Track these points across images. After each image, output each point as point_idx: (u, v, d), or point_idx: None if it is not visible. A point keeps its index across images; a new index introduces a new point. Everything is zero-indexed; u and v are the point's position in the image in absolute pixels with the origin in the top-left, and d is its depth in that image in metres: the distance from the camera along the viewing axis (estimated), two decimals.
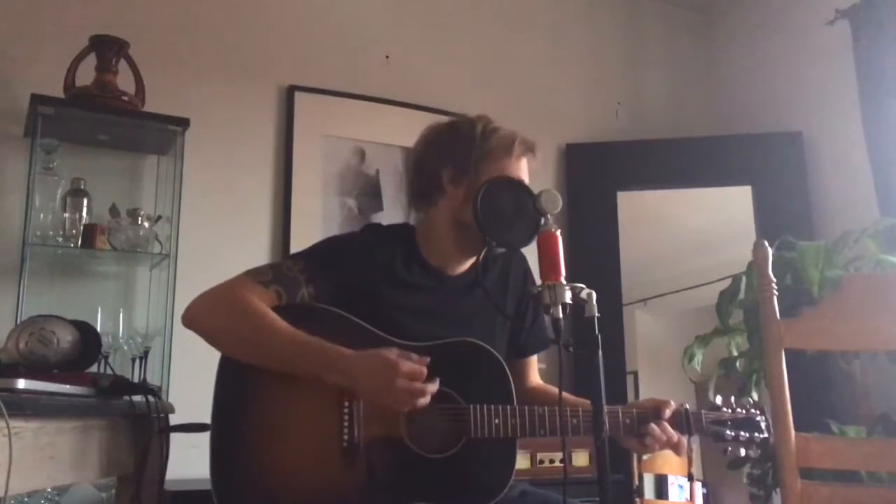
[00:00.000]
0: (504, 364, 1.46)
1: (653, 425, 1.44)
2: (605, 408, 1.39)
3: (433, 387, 1.33)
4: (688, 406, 1.49)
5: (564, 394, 1.54)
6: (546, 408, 1.42)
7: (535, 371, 1.73)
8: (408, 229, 1.60)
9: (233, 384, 1.39)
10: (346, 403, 1.38)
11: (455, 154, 1.52)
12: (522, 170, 1.53)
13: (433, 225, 1.56)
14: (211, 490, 1.35)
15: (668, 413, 1.46)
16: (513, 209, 1.38)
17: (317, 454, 1.36)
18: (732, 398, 1.53)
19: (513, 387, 1.45)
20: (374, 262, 1.49)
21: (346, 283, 1.47)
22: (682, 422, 1.47)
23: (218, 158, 2.77)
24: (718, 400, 1.53)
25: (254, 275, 1.45)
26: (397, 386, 1.30)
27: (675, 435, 1.45)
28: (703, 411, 1.50)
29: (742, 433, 1.48)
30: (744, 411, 1.50)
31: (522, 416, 1.40)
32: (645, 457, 2.84)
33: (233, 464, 1.36)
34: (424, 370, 1.33)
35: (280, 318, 1.38)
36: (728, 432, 1.48)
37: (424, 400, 1.32)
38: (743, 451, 1.48)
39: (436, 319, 1.50)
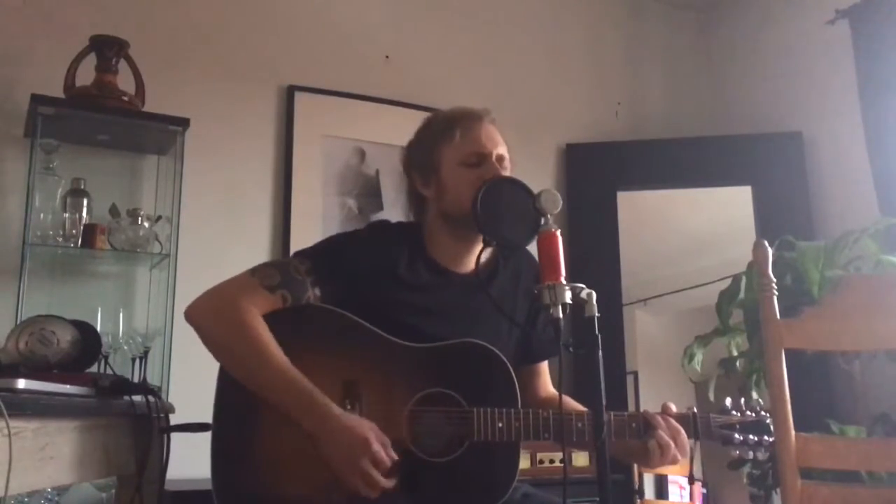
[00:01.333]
0: (508, 365, 1.45)
1: (658, 417, 1.43)
2: (612, 415, 1.40)
3: (388, 483, 1.32)
4: (696, 409, 1.49)
5: (574, 402, 1.54)
6: (551, 410, 1.41)
7: (546, 380, 1.70)
8: (416, 228, 1.59)
9: (234, 385, 1.38)
10: (349, 406, 1.38)
11: (415, 160, 1.59)
12: (479, 139, 1.52)
13: (430, 227, 1.57)
14: (212, 491, 1.34)
15: (672, 408, 1.46)
16: (512, 209, 1.37)
17: (318, 456, 1.34)
18: (742, 400, 1.52)
19: (517, 388, 1.44)
20: (379, 262, 1.49)
21: (351, 284, 1.47)
22: (689, 426, 1.46)
23: (218, 158, 2.77)
24: (728, 402, 1.52)
25: (260, 277, 1.44)
26: (361, 466, 1.30)
27: (678, 428, 1.43)
28: (711, 415, 1.49)
29: (751, 436, 1.48)
30: (753, 414, 1.50)
31: (526, 419, 1.40)
32: None
33: (234, 465, 1.36)
34: (389, 462, 1.32)
35: (277, 348, 1.37)
36: (737, 436, 1.48)
37: (374, 493, 1.31)
38: (751, 454, 1.48)
39: (442, 319, 1.50)
